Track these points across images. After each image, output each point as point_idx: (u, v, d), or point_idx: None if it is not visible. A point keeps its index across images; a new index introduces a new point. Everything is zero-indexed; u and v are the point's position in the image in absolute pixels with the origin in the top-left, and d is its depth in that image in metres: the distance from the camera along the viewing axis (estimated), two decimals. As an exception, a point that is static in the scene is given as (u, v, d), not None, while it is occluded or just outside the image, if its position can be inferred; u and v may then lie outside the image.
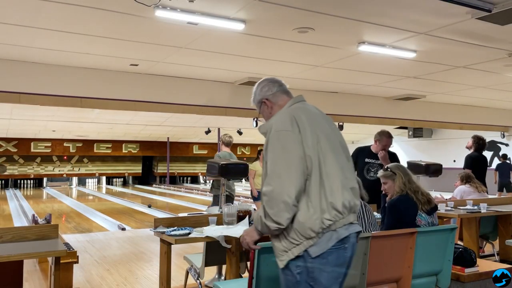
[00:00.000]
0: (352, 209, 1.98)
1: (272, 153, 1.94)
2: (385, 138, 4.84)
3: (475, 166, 6.17)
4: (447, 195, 6.98)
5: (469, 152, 6.37)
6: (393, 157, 4.80)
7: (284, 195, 1.86)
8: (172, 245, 3.66)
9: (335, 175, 1.95)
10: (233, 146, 27.15)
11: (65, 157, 21.76)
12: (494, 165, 14.94)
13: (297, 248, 1.89)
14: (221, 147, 6.43)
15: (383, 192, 3.40)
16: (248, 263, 2.42)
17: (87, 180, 24.07)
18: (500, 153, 14.95)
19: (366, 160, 4.84)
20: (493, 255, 5.53)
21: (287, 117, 2.00)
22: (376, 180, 4.02)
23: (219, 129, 15.71)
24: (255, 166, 7.14)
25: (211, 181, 6.41)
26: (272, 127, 1.99)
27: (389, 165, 3.39)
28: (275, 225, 1.87)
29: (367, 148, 5.03)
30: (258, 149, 6.80)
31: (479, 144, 6.32)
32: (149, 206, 12.58)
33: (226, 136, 6.42)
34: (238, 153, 23.23)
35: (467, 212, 4.79)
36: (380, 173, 3.39)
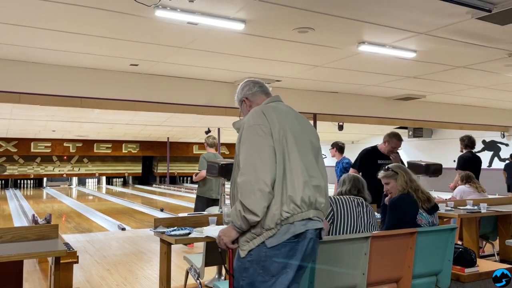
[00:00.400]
0: (313, 205, 2.05)
1: (245, 146, 2.04)
2: (395, 140, 4.90)
3: (468, 167, 6.21)
4: (447, 195, 6.98)
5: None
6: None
7: (260, 183, 1.93)
8: (172, 245, 3.66)
9: (298, 172, 2.03)
10: (233, 146, 27.11)
11: (65, 157, 21.76)
12: (494, 165, 14.95)
13: (257, 239, 1.99)
14: (206, 148, 6.56)
15: (385, 192, 3.42)
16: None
17: (87, 180, 24.07)
18: (500, 153, 14.96)
19: (379, 161, 4.84)
20: (493, 255, 5.53)
21: (258, 113, 2.11)
22: None
23: (219, 129, 15.71)
24: None
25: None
26: (245, 123, 2.10)
27: (390, 165, 3.40)
28: (253, 216, 1.93)
29: (375, 149, 5.04)
30: None
31: (467, 142, 6.37)
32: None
33: (210, 138, 6.56)
34: (238, 153, 23.20)
35: (467, 212, 4.80)
36: (381, 173, 3.40)
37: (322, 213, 2.11)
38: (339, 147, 7.13)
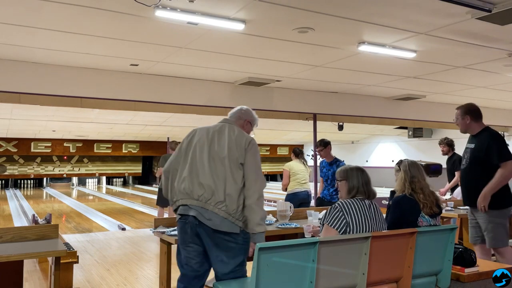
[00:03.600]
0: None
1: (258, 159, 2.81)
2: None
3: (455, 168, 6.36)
4: (446, 195, 6.98)
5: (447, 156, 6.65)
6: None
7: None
8: (172, 245, 3.66)
9: None
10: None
11: (65, 157, 21.75)
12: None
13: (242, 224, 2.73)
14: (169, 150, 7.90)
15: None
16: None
17: (87, 180, 24.06)
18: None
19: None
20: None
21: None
22: (465, 170, 3.95)
23: (219, 129, 15.68)
24: (291, 166, 6.40)
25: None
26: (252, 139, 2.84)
27: (403, 160, 3.36)
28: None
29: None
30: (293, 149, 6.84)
31: (451, 143, 6.44)
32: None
33: (173, 143, 7.91)
34: (238, 153, 23.20)
35: (467, 212, 4.79)
36: (395, 166, 3.40)
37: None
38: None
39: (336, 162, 5.81)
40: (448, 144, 6.54)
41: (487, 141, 3.82)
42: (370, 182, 2.94)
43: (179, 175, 2.77)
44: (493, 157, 3.75)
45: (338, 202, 2.84)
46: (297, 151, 6.58)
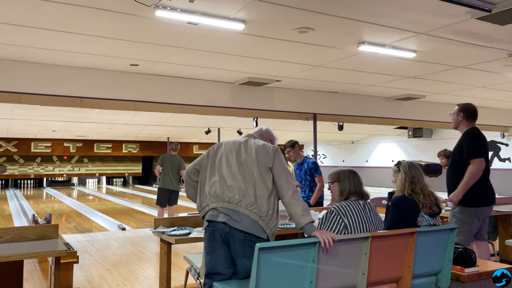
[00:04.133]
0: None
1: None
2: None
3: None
4: (446, 195, 6.97)
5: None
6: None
7: None
8: (172, 245, 3.67)
9: None
10: (233, 146, 26.81)
11: (65, 157, 21.75)
12: (493, 165, 14.94)
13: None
14: (169, 150, 8.46)
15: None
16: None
17: (87, 180, 24.06)
18: (500, 153, 14.93)
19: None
20: (493, 255, 5.53)
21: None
22: (448, 167, 4.17)
23: (219, 129, 15.70)
24: None
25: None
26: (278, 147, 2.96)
27: (402, 161, 3.38)
28: None
29: None
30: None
31: (445, 156, 6.44)
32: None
33: (173, 144, 8.33)
34: (238, 153, 23.21)
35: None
36: (393, 167, 3.42)
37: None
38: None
39: (306, 161, 5.59)
40: (446, 156, 6.50)
41: (463, 138, 3.99)
42: (362, 184, 2.96)
43: (208, 180, 2.84)
44: (464, 154, 3.90)
45: (334, 206, 2.85)
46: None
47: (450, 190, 4.02)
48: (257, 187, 2.74)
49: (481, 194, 3.89)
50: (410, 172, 3.22)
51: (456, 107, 4.16)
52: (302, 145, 24.68)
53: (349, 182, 2.91)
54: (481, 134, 4.03)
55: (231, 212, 2.71)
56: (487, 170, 3.92)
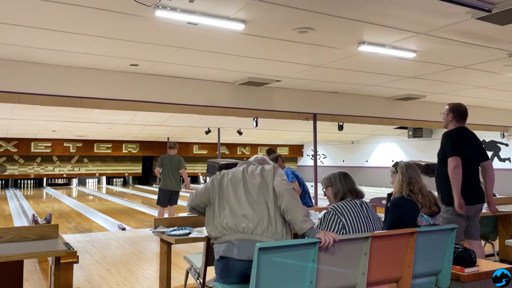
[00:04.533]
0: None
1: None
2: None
3: None
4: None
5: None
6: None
7: None
8: (172, 245, 3.67)
9: None
10: (233, 146, 26.82)
11: (65, 157, 21.75)
12: (494, 166, 14.93)
13: None
14: (168, 150, 8.41)
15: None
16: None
17: (87, 180, 24.06)
18: (500, 153, 14.92)
19: None
20: (493, 255, 5.53)
21: None
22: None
23: (219, 129, 15.70)
24: None
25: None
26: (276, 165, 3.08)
27: (399, 161, 3.40)
28: None
29: None
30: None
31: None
32: None
33: (171, 143, 8.35)
34: (238, 153, 23.23)
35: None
36: (391, 167, 3.43)
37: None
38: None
39: (286, 172, 5.42)
40: None
41: (442, 139, 4.06)
42: (355, 183, 3.02)
43: (219, 212, 2.84)
44: (443, 153, 3.99)
45: (331, 206, 2.88)
46: (269, 151, 6.47)
47: (438, 190, 4.05)
48: (269, 210, 2.77)
49: (462, 192, 3.89)
50: (408, 173, 3.23)
51: (447, 106, 4.17)
52: (302, 145, 24.70)
53: (341, 183, 2.96)
54: (462, 133, 4.04)
55: (247, 243, 2.70)
56: (470, 169, 3.93)
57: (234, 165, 4.52)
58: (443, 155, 3.99)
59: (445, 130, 4.16)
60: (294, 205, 2.74)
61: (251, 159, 3.27)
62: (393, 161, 3.42)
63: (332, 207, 2.85)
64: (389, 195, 3.51)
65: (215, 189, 2.93)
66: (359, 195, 2.94)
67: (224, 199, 2.87)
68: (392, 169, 3.43)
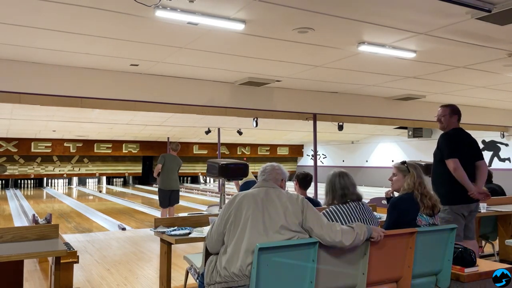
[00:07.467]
0: None
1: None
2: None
3: None
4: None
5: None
6: None
7: None
8: (172, 245, 3.67)
9: None
10: (233, 146, 26.80)
11: (65, 157, 21.74)
12: (493, 165, 14.93)
13: None
14: (170, 151, 8.42)
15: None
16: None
17: (87, 180, 24.06)
18: (500, 153, 14.91)
19: None
20: (493, 255, 5.54)
21: None
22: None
23: (219, 129, 15.70)
24: None
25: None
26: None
27: (408, 161, 3.40)
28: None
29: None
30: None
31: None
32: None
33: (173, 144, 8.37)
34: (238, 153, 23.25)
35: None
36: (396, 163, 3.41)
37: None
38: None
39: None
40: None
41: (439, 140, 4.13)
42: (349, 186, 3.00)
43: (234, 250, 2.49)
44: (440, 154, 4.06)
45: (324, 211, 2.90)
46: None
47: (434, 190, 4.06)
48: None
49: (455, 192, 3.96)
50: (421, 175, 3.25)
51: (446, 108, 4.22)
52: (302, 145, 24.71)
53: (338, 187, 2.99)
54: (459, 134, 4.11)
55: None
56: (466, 169, 3.96)
57: (234, 165, 4.52)
58: (439, 156, 4.05)
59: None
60: (340, 233, 2.54)
61: (267, 175, 2.84)
62: (393, 161, 3.40)
63: (325, 212, 2.89)
64: (389, 198, 3.51)
65: (231, 216, 2.64)
66: (354, 197, 2.96)
67: (245, 230, 2.58)
68: (401, 167, 3.34)
